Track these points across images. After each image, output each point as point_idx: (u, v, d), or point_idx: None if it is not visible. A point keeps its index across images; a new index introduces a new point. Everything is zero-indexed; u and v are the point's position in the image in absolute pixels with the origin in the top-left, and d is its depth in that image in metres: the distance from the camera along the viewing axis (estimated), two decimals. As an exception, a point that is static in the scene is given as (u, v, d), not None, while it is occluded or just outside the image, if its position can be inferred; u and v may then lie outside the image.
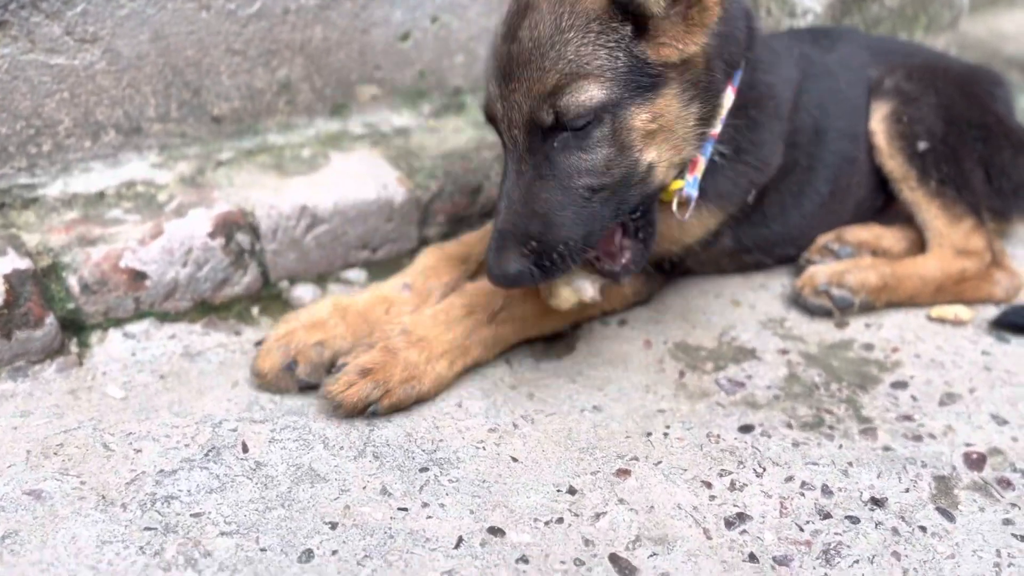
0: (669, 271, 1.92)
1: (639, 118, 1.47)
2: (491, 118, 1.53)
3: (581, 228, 1.46)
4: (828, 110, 1.98)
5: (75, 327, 1.68)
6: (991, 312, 1.94)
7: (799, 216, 2.00)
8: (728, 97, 1.65)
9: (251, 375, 1.59)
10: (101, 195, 1.85)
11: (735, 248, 1.97)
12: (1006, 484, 1.45)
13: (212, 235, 1.78)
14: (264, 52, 2.07)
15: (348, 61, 2.21)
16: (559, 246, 1.44)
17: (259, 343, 1.69)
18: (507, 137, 1.49)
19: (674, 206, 1.66)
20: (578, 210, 1.46)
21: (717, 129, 1.65)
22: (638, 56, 1.45)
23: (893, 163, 2.02)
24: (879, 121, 2.03)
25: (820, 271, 1.92)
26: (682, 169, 1.64)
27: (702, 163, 1.66)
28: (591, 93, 1.41)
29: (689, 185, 1.65)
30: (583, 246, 1.47)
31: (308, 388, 1.58)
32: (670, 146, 1.55)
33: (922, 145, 1.98)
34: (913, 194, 2.01)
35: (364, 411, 1.51)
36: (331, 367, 1.58)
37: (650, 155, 1.51)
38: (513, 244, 1.43)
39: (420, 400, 1.56)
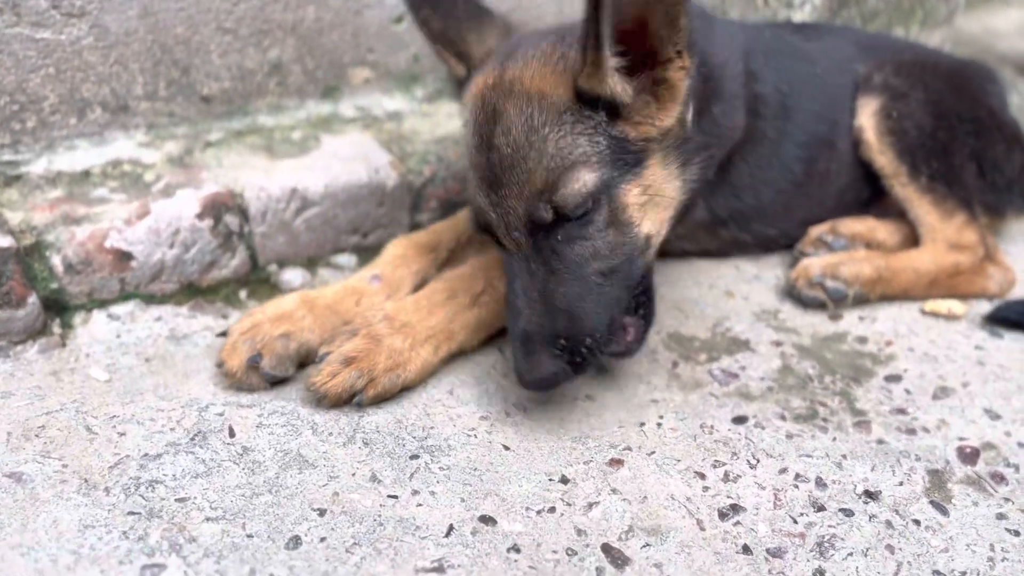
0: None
1: (631, 194, 1.47)
2: (485, 227, 1.51)
3: (605, 315, 1.44)
4: (800, 90, 1.97)
5: (58, 307, 1.65)
6: (984, 307, 1.93)
7: (772, 192, 1.98)
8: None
9: (217, 371, 1.54)
10: (86, 173, 1.81)
11: (710, 220, 1.96)
12: (999, 478, 1.44)
13: (200, 216, 1.74)
14: (255, 31, 2.03)
15: (341, 43, 2.18)
16: (587, 339, 1.41)
17: (223, 334, 1.64)
18: (507, 241, 1.46)
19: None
20: (597, 298, 1.44)
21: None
22: (617, 137, 1.44)
23: (884, 159, 2.01)
24: (868, 116, 2.02)
25: (814, 263, 1.91)
26: None
27: None
28: (584, 180, 1.40)
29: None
30: (609, 334, 1.45)
31: (276, 383, 1.52)
32: (661, 210, 1.55)
33: (912, 140, 1.97)
34: (904, 190, 2.00)
35: (349, 401, 1.48)
36: (299, 360, 1.54)
37: (647, 227, 1.51)
38: (541, 346, 1.39)
39: (406, 388, 1.53)
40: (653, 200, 1.50)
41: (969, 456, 1.49)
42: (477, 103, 1.50)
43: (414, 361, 1.52)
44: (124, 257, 1.67)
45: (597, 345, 1.42)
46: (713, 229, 1.99)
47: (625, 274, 1.48)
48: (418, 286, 1.73)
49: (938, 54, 2.28)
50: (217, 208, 1.77)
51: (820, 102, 2.01)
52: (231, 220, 1.79)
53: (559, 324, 1.40)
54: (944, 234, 1.97)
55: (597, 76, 1.38)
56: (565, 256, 1.42)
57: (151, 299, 1.73)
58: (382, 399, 1.50)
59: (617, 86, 1.41)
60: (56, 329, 1.62)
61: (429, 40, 1.70)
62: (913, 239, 2.05)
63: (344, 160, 1.97)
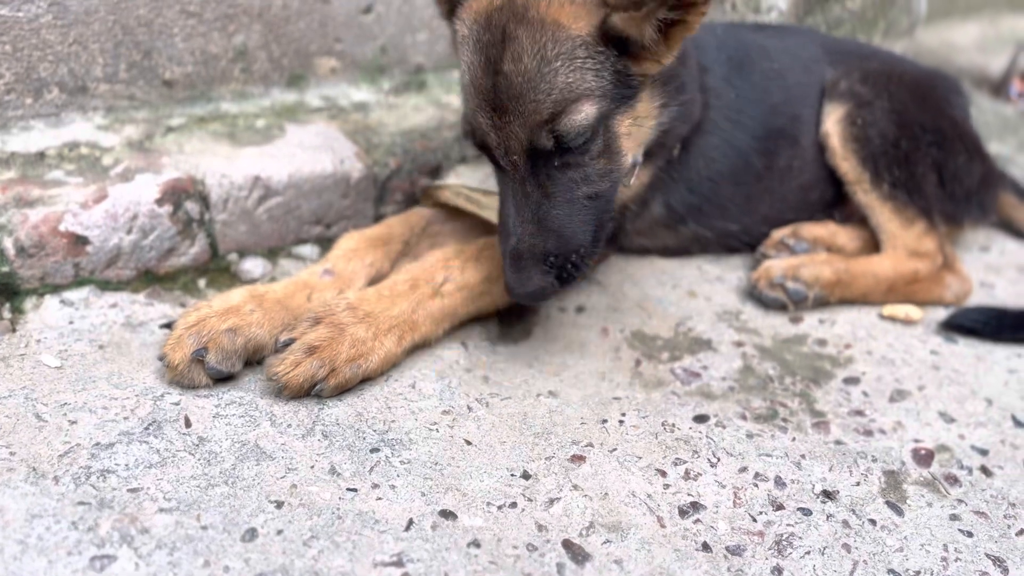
0: (610, 240, 1.87)
1: (624, 124, 1.55)
2: (483, 147, 1.55)
3: (590, 233, 1.54)
4: (755, 83, 2.01)
5: (8, 292, 1.60)
6: (941, 313, 1.97)
7: (730, 185, 2.00)
8: None
9: (160, 365, 1.49)
10: (41, 155, 1.76)
11: (667, 215, 1.97)
12: (953, 480, 1.46)
13: (159, 202, 1.70)
14: (221, 16, 1.99)
15: (308, 31, 2.15)
16: (573, 255, 1.50)
17: (167, 326, 1.60)
18: (505, 163, 1.50)
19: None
20: (584, 219, 1.52)
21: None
22: (621, 70, 1.50)
23: (847, 165, 2.04)
24: (834, 123, 2.04)
25: (776, 264, 1.93)
26: None
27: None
28: (586, 112, 1.46)
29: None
30: (593, 249, 1.55)
31: (221, 380, 1.47)
32: (641, 142, 1.63)
33: (875, 148, 2.00)
34: (867, 196, 2.03)
35: (310, 391, 1.45)
36: (246, 356, 1.49)
37: (630, 155, 1.60)
38: (532, 262, 1.47)
39: (367, 379, 1.51)
40: (639, 130, 1.59)
41: (924, 458, 1.51)
42: (481, 22, 1.49)
43: (377, 351, 1.50)
44: (79, 241, 1.63)
45: (582, 258, 1.52)
46: (672, 225, 2.00)
47: (608, 198, 1.57)
48: (373, 279, 1.71)
49: (904, 62, 2.32)
50: (177, 194, 1.73)
51: (778, 96, 2.03)
52: (191, 207, 1.75)
53: (550, 243, 1.48)
54: (904, 241, 2.01)
55: (636, 20, 1.43)
56: (560, 181, 1.49)
57: (106, 285, 1.69)
58: (343, 389, 1.48)
59: (647, 34, 1.46)
60: (6, 314, 1.58)
61: None
62: (874, 244, 2.08)
63: (309, 150, 1.94)
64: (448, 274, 1.62)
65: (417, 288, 1.59)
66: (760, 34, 2.12)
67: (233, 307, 1.51)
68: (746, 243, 2.12)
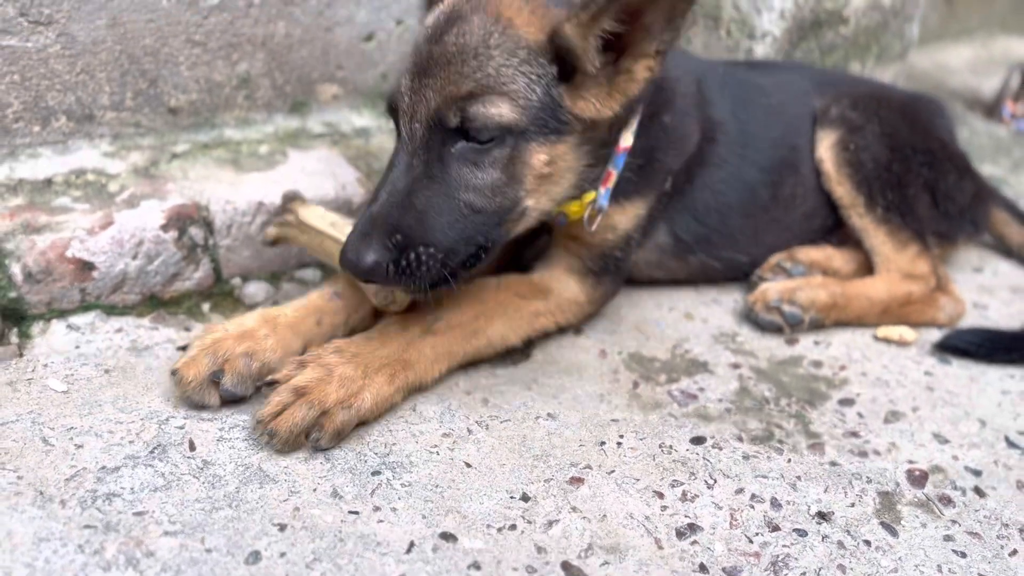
0: (614, 272, 1.88)
1: (537, 157, 1.50)
2: (392, 109, 1.53)
3: (450, 239, 1.46)
4: (757, 118, 2.03)
5: (16, 317, 1.63)
6: (935, 334, 1.99)
7: (739, 216, 2.02)
8: (635, 119, 1.68)
9: (172, 384, 1.49)
10: (49, 182, 1.79)
11: (675, 245, 1.98)
12: (947, 501, 1.48)
13: (164, 228, 1.73)
14: (225, 45, 2.03)
15: (310, 59, 2.19)
16: (421, 248, 1.42)
17: (182, 348, 1.61)
18: (406, 129, 1.47)
19: (585, 218, 1.69)
20: (453, 222, 1.46)
21: (628, 142, 1.67)
22: (554, 98, 1.48)
23: (841, 189, 2.07)
24: (827, 149, 2.08)
25: (772, 287, 1.96)
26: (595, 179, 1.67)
27: (614, 176, 1.68)
28: (502, 110, 1.43)
29: (602, 197, 1.68)
30: (443, 258, 1.45)
31: (230, 403, 1.49)
32: (551, 196, 1.59)
33: (869, 172, 2.04)
34: (861, 220, 2.06)
35: (305, 439, 1.40)
36: (259, 380, 1.49)
37: (531, 200, 1.54)
38: (379, 233, 1.40)
39: (364, 422, 1.47)
40: (552, 177, 1.54)
41: (918, 479, 1.53)
42: (445, 8, 1.53)
43: (368, 389, 1.46)
44: (86, 267, 1.66)
45: (428, 259, 1.43)
46: (681, 256, 2.02)
47: (487, 225, 1.50)
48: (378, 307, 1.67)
49: (890, 88, 2.37)
50: (182, 220, 1.76)
51: (781, 131, 2.07)
52: (196, 232, 1.78)
53: (405, 220, 1.42)
54: (898, 264, 2.03)
55: (582, 31, 1.42)
56: (448, 169, 1.46)
57: (112, 310, 1.71)
58: (340, 437, 1.43)
59: (591, 51, 1.45)
60: (13, 339, 1.60)
61: None
62: (866, 267, 2.11)
63: (311, 175, 1.98)
64: (438, 313, 1.61)
65: (407, 329, 1.57)
66: (754, 72, 2.16)
67: (248, 331, 1.52)
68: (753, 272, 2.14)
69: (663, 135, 1.77)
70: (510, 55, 1.45)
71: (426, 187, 1.45)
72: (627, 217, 1.80)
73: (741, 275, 2.13)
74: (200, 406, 1.47)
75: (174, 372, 1.47)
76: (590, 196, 1.68)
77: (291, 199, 1.74)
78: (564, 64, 1.47)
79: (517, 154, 1.48)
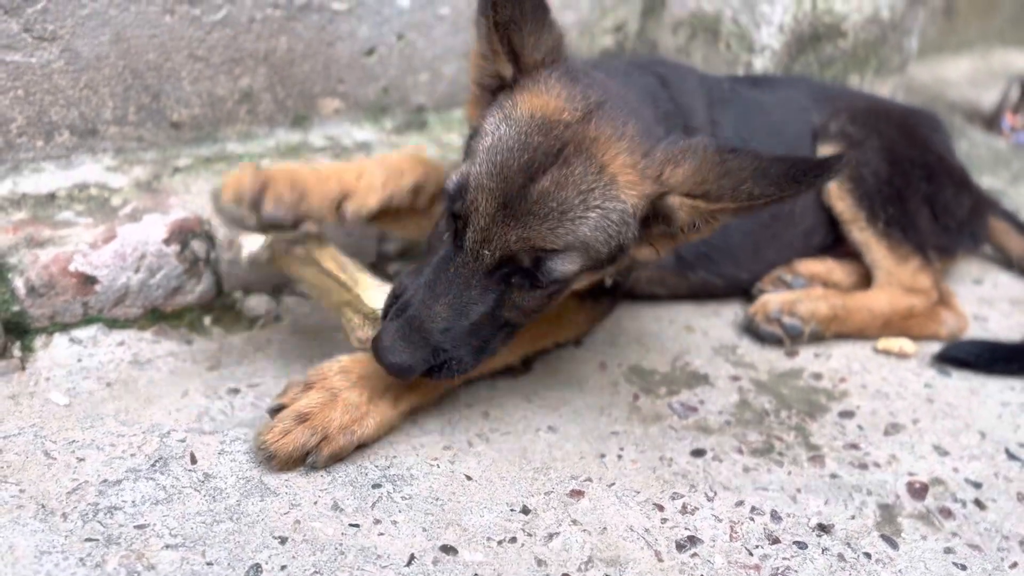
0: (612, 292, 1.88)
1: (581, 283, 1.53)
2: (460, 216, 1.41)
3: (478, 352, 1.46)
4: (760, 137, 2.02)
5: (19, 330, 1.63)
6: (935, 346, 2.00)
7: (740, 234, 2.03)
8: None
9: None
10: (52, 196, 1.80)
11: (677, 263, 1.98)
12: (947, 514, 1.48)
13: (167, 242, 1.74)
14: (227, 60, 2.05)
15: (312, 73, 2.20)
16: (455, 362, 1.43)
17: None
18: (474, 248, 1.39)
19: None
20: (489, 337, 1.46)
21: None
22: (624, 249, 1.47)
23: (842, 204, 2.07)
24: None
25: (772, 299, 1.96)
26: None
27: None
28: (576, 266, 1.42)
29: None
30: (471, 364, 1.46)
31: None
32: (587, 281, 1.58)
33: (869, 187, 2.04)
34: (862, 234, 2.07)
35: (302, 462, 1.41)
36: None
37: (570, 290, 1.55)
38: (421, 343, 1.38)
39: (364, 445, 1.47)
40: (582, 284, 1.55)
41: (918, 491, 1.53)
42: (540, 125, 1.41)
43: (372, 415, 1.46)
44: (88, 281, 1.67)
45: (460, 368, 1.44)
46: (682, 273, 2.02)
47: (515, 330, 1.52)
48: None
49: (888, 102, 2.37)
50: (184, 234, 1.77)
51: (779, 149, 2.06)
52: (198, 246, 1.79)
53: (448, 340, 1.40)
54: (899, 278, 2.04)
55: (694, 211, 1.41)
56: (502, 295, 1.43)
57: (114, 323, 1.72)
58: (337, 458, 1.43)
59: (689, 223, 1.45)
60: (16, 352, 1.61)
61: (491, 28, 1.47)
62: (867, 279, 2.12)
63: (313, 189, 1.98)
64: None
65: None
66: (756, 89, 2.16)
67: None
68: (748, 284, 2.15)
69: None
70: (605, 217, 1.40)
71: (478, 308, 1.41)
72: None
73: (741, 292, 2.13)
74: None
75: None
76: None
77: (312, 237, 1.62)
78: (653, 219, 1.46)
79: (569, 283, 1.48)
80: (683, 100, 1.80)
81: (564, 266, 1.40)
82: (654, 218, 1.46)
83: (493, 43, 1.50)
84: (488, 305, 1.42)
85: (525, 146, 1.39)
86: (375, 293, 1.52)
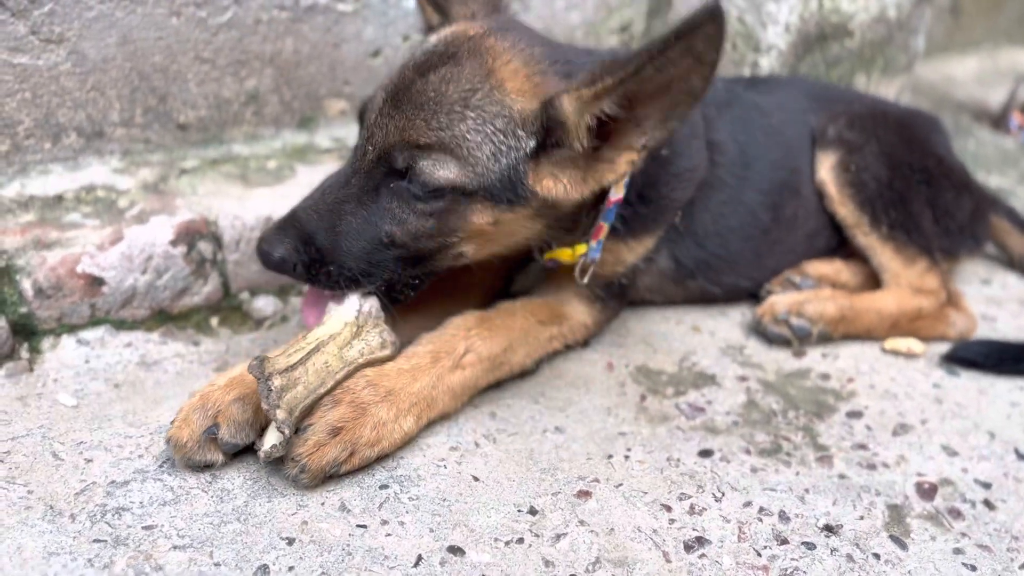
0: (619, 296, 1.89)
1: (481, 217, 1.46)
2: (360, 117, 1.50)
3: (363, 265, 1.45)
4: (758, 140, 2.01)
5: (27, 332, 1.64)
6: (943, 346, 1.99)
7: (739, 240, 2.00)
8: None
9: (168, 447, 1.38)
10: (59, 198, 1.81)
11: (675, 269, 1.95)
12: (956, 514, 1.48)
13: (174, 243, 1.75)
14: (233, 62, 2.05)
15: (318, 75, 2.20)
16: (332, 267, 1.44)
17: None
18: (360, 145, 1.46)
19: (576, 272, 1.68)
20: (370, 250, 1.45)
21: (620, 194, 1.62)
22: (518, 172, 1.43)
23: (845, 210, 2.07)
24: (828, 171, 2.07)
25: (781, 300, 1.96)
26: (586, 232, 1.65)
27: (606, 229, 1.65)
28: (451, 173, 1.40)
29: (593, 250, 1.66)
30: (357, 276, 1.46)
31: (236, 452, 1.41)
32: (495, 248, 1.55)
33: (871, 191, 2.03)
34: (867, 239, 2.06)
35: (330, 474, 1.39)
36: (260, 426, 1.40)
37: (468, 247, 1.51)
38: (294, 234, 1.42)
39: (383, 457, 1.45)
40: (496, 235, 1.51)
41: (927, 492, 1.52)
42: (446, 38, 1.48)
43: (397, 433, 1.45)
44: (96, 282, 1.67)
45: (341, 275, 1.44)
46: (680, 281, 1.99)
47: (404, 258, 1.48)
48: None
49: (886, 104, 2.36)
50: (191, 235, 1.77)
51: (781, 152, 2.05)
52: (204, 247, 1.79)
53: (322, 235, 1.42)
54: (907, 279, 2.03)
55: (581, 107, 1.37)
56: (381, 203, 1.44)
57: (121, 325, 1.72)
58: (357, 469, 1.42)
59: (583, 130, 1.40)
60: (24, 354, 1.61)
61: None
62: (874, 280, 2.11)
63: (319, 190, 1.98)
64: (469, 344, 1.57)
65: (438, 361, 1.53)
66: (753, 91, 2.14)
67: (236, 378, 1.43)
68: (754, 297, 2.13)
69: (671, 171, 1.75)
70: (486, 121, 1.39)
71: (353, 211, 1.44)
72: (636, 253, 1.80)
73: (742, 300, 2.12)
74: (203, 464, 1.38)
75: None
76: (581, 248, 1.66)
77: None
78: (547, 137, 1.42)
79: (456, 208, 1.44)
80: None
81: (437, 170, 1.39)
82: (552, 134, 1.41)
83: None
84: (367, 208, 1.43)
85: (428, 53, 1.46)
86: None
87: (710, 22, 1.24)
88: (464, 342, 1.57)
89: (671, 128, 1.41)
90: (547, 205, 1.49)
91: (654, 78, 1.33)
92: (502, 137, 1.40)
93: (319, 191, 1.47)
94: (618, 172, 1.47)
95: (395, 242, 1.45)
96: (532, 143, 1.42)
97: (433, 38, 1.53)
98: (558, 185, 1.46)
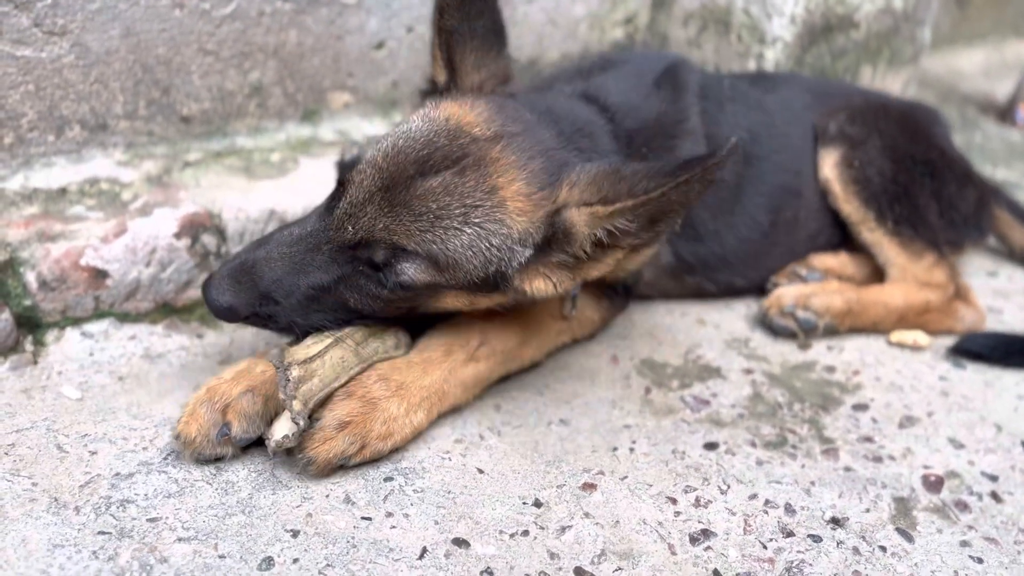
0: (626, 292, 1.90)
1: (455, 300, 1.47)
2: (344, 184, 1.42)
3: (323, 322, 1.43)
4: (760, 140, 2.00)
5: (31, 324, 1.64)
6: (949, 339, 1.98)
7: (736, 239, 1.98)
8: None
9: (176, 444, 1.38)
10: (63, 191, 1.80)
11: (675, 264, 1.94)
12: (963, 507, 1.47)
13: (178, 236, 1.74)
14: (237, 54, 2.04)
15: (321, 67, 2.20)
16: (282, 319, 1.41)
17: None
18: (340, 216, 1.39)
19: (565, 308, 1.68)
20: (329, 312, 1.43)
21: None
22: (505, 276, 1.42)
23: (850, 207, 2.06)
24: (831, 168, 2.06)
25: (787, 293, 1.95)
26: None
27: None
28: (430, 278, 1.39)
29: (574, 289, 1.64)
30: (312, 328, 1.44)
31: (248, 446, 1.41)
32: (468, 308, 1.53)
33: (875, 187, 2.02)
34: (873, 235, 2.05)
35: (338, 467, 1.39)
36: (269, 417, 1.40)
37: (434, 306, 1.49)
38: (251, 290, 1.37)
39: (394, 450, 1.45)
40: (465, 307, 1.51)
41: (934, 484, 1.52)
42: (450, 129, 1.42)
43: (407, 427, 1.45)
44: (100, 275, 1.67)
45: (284, 327, 1.43)
46: (679, 275, 1.98)
47: (374, 318, 1.47)
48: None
49: (886, 98, 2.34)
50: (195, 228, 1.77)
51: (785, 155, 2.04)
52: (208, 240, 1.79)
53: (282, 295, 1.38)
54: (914, 273, 2.02)
55: (594, 223, 1.37)
56: (350, 278, 1.40)
57: (126, 317, 1.72)
58: (367, 463, 1.42)
59: (589, 241, 1.41)
60: (28, 346, 1.61)
61: (434, 29, 1.55)
62: (879, 273, 2.10)
63: (323, 183, 1.97)
64: (484, 337, 1.57)
65: (451, 354, 1.53)
66: (756, 88, 2.12)
67: (242, 370, 1.44)
68: (750, 295, 2.12)
69: None
70: (482, 237, 1.37)
71: (319, 279, 1.39)
72: (641, 259, 1.78)
73: (736, 295, 2.11)
74: (214, 457, 1.39)
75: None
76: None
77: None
78: (547, 244, 1.41)
79: (430, 293, 1.43)
80: (678, 106, 1.79)
81: (413, 273, 1.37)
82: (553, 242, 1.42)
83: (434, 46, 1.56)
84: (331, 277, 1.40)
85: (429, 143, 1.40)
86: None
87: (735, 152, 1.29)
88: (479, 335, 1.57)
89: (660, 232, 1.42)
90: (524, 295, 1.48)
91: (672, 199, 1.34)
92: (496, 252, 1.39)
93: (283, 245, 1.40)
94: (604, 269, 1.48)
95: (361, 311, 1.44)
96: (528, 252, 1.42)
97: (434, 113, 1.46)
98: (548, 285, 1.46)
